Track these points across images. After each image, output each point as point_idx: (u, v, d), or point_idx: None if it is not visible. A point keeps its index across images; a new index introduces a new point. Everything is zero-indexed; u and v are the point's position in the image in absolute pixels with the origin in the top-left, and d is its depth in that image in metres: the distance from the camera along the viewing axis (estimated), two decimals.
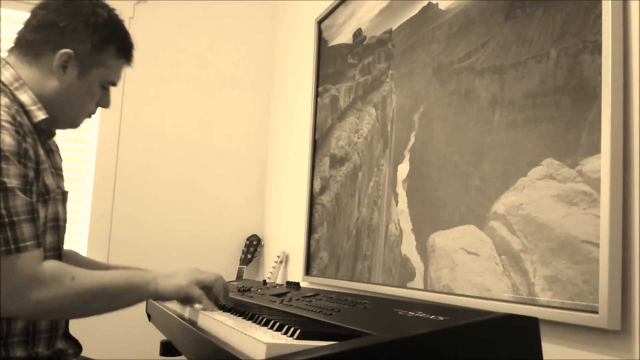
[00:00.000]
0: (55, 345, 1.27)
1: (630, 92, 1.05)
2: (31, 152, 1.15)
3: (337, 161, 2.15)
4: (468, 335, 0.77)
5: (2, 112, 1.11)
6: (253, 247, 2.82)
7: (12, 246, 1.05)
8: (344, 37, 2.20)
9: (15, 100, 1.20)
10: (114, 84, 1.36)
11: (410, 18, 1.75)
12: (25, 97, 1.22)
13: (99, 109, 1.39)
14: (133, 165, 2.80)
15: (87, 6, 1.28)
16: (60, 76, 1.25)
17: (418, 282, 1.56)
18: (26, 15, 1.28)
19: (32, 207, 1.11)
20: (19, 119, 1.14)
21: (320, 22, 2.43)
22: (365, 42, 2.03)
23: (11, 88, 1.22)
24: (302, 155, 2.49)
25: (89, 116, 1.37)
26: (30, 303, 1.06)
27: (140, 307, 1.74)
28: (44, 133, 1.27)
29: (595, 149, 1.07)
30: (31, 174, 1.14)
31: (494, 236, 1.30)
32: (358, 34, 2.09)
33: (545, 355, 0.84)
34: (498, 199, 1.30)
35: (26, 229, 1.08)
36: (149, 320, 1.73)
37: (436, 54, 1.60)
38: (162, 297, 1.22)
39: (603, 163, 1.05)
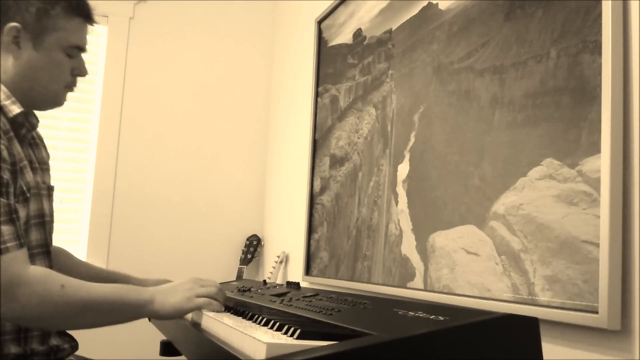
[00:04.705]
0: (49, 341, 1.26)
1: (630, 92, 1.05)
2: (5, 153, 1.11)
3: (337, 161, 2.15)
4: (468, 335, 0.77)
5: None
6: (253, 247, 2.82)
7: None
8: (344, 37, 2.20)
9: None
10: (81, 49, 1.29)
11: (410, 18, 1.75)
12: None
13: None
14: (133, 165, 2.80)
15: None
16: (16, 52, 1.21)
17: (418, 282, 1.56)
18: None
19: (10, 209, 1.08)
20: None
21: (320, 22, 2.43)
22: (365, 42, 2.03)
23: None
24: (302, 155, 2.49)
25: (70, 89, 1.30)
26: (17, 305, 1.01)
27: None
28: (23, 126, 1.23)
29: (595, 149, 1.07)
30: (6, 175, 1.11)
31: (494, 236, 1.30)
32: (358, 34, 2.09)
33: (545, 355, 0.84)
34: (498, 199, 1.30)
35: (6, 231, 1.05)
36: (149, 320, 1.73)
37: (436, 54, 1.60)
38: (163, 318, 1.14)
39: (603, 163, 1.05)
